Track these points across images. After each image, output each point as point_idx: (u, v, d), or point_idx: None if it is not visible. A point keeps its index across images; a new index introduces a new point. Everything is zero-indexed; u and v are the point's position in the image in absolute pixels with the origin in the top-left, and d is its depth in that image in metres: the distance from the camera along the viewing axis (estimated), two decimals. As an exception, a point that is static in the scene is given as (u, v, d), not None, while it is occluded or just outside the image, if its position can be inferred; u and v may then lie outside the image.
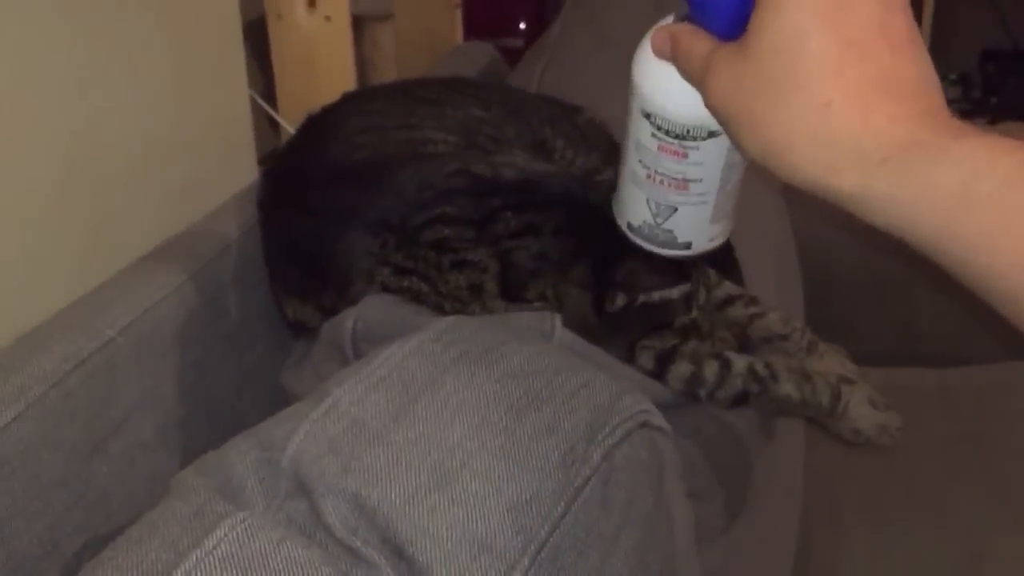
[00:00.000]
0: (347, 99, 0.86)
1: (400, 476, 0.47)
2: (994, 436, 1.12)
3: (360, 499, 0.47)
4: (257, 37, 1.24)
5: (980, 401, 1.16)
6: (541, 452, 0.48)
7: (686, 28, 0.51)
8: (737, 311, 0.77)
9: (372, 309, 0.70)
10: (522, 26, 2.17)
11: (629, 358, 0.71)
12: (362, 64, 1.42)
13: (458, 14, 1.64)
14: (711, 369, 0.71)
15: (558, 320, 0.69)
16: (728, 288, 0.77)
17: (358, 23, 1.37)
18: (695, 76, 0.50)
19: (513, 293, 0.70)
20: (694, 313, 0.71)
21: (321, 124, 0.83)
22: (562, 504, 0.47)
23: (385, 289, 0.71)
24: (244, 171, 0.96)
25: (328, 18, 1.19)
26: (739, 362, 0.72)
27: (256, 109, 1.16)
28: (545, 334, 0.68)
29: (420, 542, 0.45)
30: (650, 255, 0.61)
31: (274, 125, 1.25)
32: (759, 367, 0.72)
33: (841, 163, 0.43)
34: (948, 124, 0.43)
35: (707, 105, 0.49)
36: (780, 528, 0.86)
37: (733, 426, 0.76)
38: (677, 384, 0.71)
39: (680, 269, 0.69)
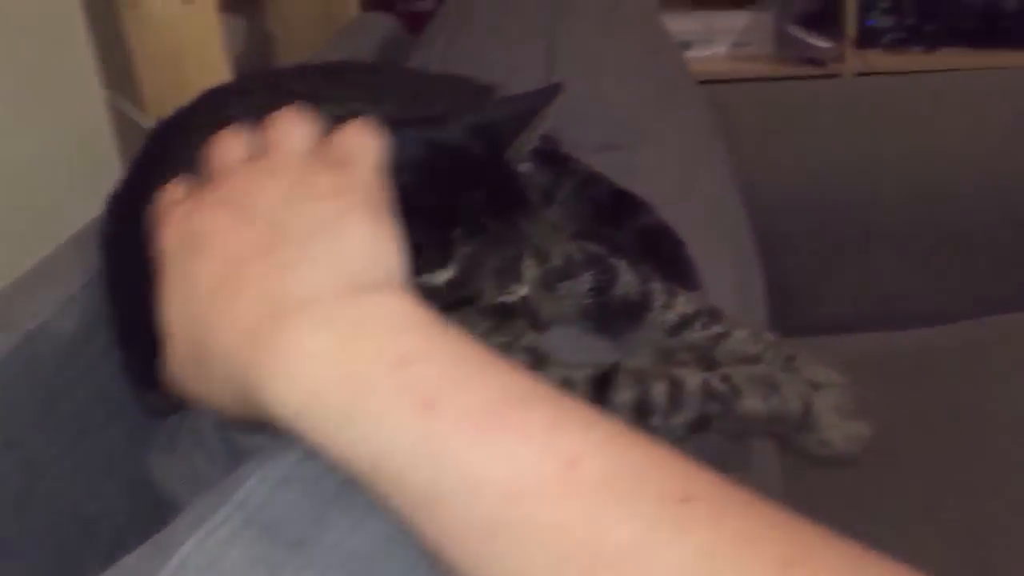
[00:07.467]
0: (203, 100, 0.69)
1: None
2: (973, 405, 1.06)
3: None
4: (110, 33, 1.07)
5: (956, 364, 1.13)
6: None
7: None
8: (695, 334, 0.62)
9: None
10: (429, -13, 2.00)
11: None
12: (256, 49, 1.26)
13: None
14: (659, 391, 0.57)
15: None
16: (681, 307, 0.62)
17: (241, 5, 1.20)
18: None
19: None
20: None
21: (169, 135, 0.66)
22: None
23: None
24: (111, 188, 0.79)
25: (188, 1, 1.02)
26: (692, 379, 0.58)
27: (122, 114, 0.99)
28: None
29: None
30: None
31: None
32: (715, 382, 0.59)
33: None
34: None
35: None
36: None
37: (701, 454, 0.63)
38: (624, 415, 0.57)
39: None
